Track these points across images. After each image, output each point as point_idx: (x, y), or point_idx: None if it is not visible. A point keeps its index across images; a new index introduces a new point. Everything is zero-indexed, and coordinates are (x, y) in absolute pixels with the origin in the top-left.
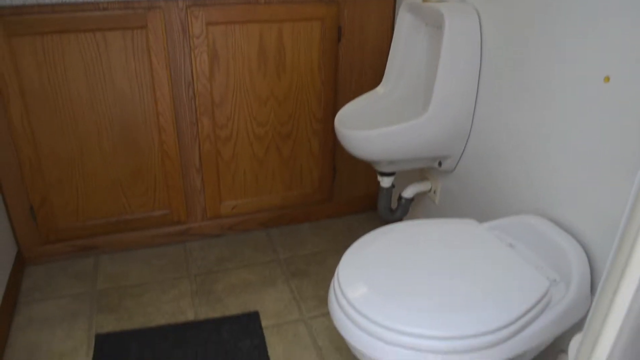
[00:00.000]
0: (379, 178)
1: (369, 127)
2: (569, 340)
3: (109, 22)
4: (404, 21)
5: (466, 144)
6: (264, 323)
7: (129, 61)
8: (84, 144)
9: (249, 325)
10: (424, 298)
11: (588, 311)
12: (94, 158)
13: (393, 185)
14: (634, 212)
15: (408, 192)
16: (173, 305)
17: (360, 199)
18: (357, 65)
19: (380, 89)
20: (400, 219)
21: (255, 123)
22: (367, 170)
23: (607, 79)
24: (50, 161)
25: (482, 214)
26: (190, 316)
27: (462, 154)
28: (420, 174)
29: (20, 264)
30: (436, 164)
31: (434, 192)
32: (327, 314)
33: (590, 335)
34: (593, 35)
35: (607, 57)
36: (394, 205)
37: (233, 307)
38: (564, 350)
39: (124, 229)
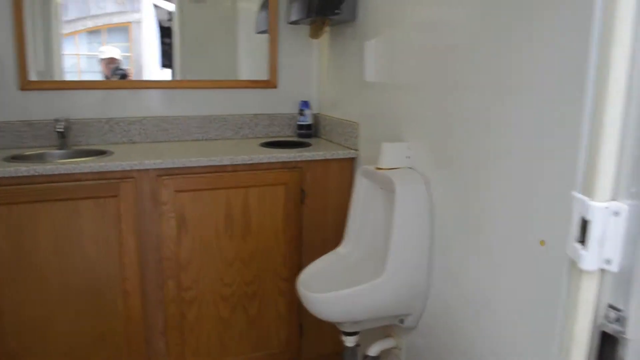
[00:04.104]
0: (343, 338)
1: (331, 288)
2: None
3: (82, 192)
4: (361, 185)
5: (425, 302)
6: None
7: (99, 228)
8: (49, 311)
9: None
10: None
11: None
12: (58, 325)
13: (358, 344)
14: None
15: (373, 350)
16: None
17: (328, 357)
18: (320, 225)
19: (341, 249)
20: None
21: (221, 284)
22: (333, 328)
23: (542, 242)
24: (13, 330)
25: None
26: None
27: (422, 311)
28: (384, 332)
29: None
30: (398, 322)
31: (399, 348)
32: None
33: None
34: (529, 202)
35: (541, 224)
36: None
37: None
38: None
39: None
